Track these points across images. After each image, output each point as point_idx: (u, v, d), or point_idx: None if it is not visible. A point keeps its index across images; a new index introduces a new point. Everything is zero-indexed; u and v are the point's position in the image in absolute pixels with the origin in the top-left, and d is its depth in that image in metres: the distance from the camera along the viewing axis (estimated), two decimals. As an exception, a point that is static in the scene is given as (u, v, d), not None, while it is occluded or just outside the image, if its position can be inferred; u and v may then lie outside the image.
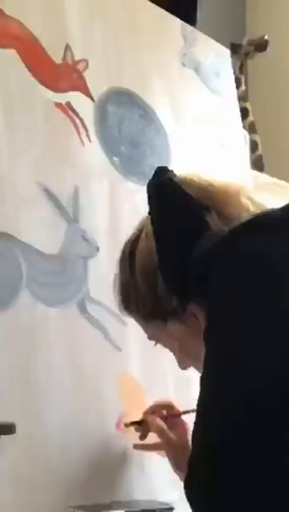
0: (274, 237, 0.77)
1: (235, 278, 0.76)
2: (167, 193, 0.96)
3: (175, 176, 0.98)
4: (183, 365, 1.08)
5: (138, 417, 1.27)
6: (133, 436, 1.26)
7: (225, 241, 0.80)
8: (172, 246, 0.91)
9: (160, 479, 1.29)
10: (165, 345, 1.08)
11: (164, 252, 0.93)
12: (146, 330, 1.08)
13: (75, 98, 1.40)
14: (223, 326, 0.75)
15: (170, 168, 0.98)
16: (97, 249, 1.33)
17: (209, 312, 0.78)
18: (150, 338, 1.09)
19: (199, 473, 0.69)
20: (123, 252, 1.05)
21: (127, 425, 1.27)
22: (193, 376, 1.43)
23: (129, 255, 1.03)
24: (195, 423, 0.73)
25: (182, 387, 1.40)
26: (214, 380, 0.74)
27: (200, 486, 0.69)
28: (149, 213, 0.98)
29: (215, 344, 0.76)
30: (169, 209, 0.94)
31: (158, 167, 1.00)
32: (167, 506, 1.20)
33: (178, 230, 0.91)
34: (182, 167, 1.60)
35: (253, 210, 0.92)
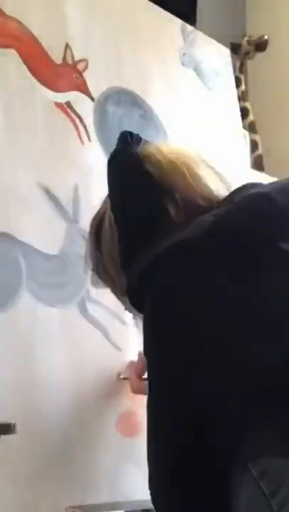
0: (192, 265, 0.80)
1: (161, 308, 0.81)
2: (127, 173, 0.96)
3: (139, 145, 0.97)
4: None
5: (139, 418, 1.27)
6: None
7: (150, 269, 0.83)
8: (131, 236, 0.92)
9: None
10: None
11: (124, 241, 0.94)
12: (116, 297, 1.09)
13: (75, 98, 1.41)
14: (155, 348, 0.81)
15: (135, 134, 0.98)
16: (97, 249, 1.33)
17: (144, 326, 0.83)
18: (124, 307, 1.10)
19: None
20: (91, 227, 1.07)
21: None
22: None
23: (96, 235, 1.04)
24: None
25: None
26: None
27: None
28: (109, 195, 0.98)
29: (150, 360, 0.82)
30: (128, 194, 0.94)
31: (121, 133, 1.00)
32: None
33: (137, 220, 0.92)
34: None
35: (215, 179, 0.94)
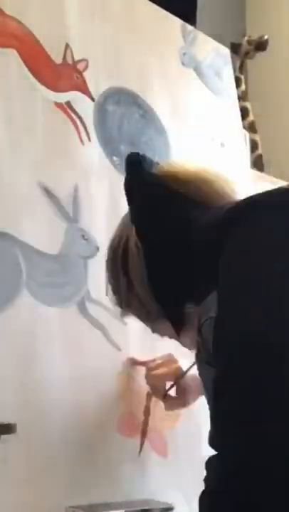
0: (275, 215, 0.80)
1: (244, 254, 0.80)
2: (154, 197, 0.96)
3: (151, 166, 0.97)
4: (188, 347, 1.07)
5: (138, 418, 1.27)
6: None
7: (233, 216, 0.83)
8: (164, 255, 0.92)
9: (160, 479, 1.29)
10: (165, 334, 1.09)
11: (154, 261, 0.94)
12: (144, 323, 1.10)
13: (75, 98, 1.40)
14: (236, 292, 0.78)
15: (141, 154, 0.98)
16: (97, 248, 1.33)
17: (223, 275, 0.81)
18: (152, 330, 1.10)
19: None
20: (113, 254, 1.05)
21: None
22: (195, 377, 1.44)
23: (122, 260, 1.02)
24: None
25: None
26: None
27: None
28: (132, 219, 0.98)
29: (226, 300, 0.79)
30: (156, 211, 0.94)
31: (129, 156, 0.99)
32: (166, 506, 1.20)
33: (169, 239, 0.92)
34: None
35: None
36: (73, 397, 1.21)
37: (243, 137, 2.00)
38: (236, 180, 1.02)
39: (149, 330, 1.28)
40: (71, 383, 1.22)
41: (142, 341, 1.35)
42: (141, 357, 1.33)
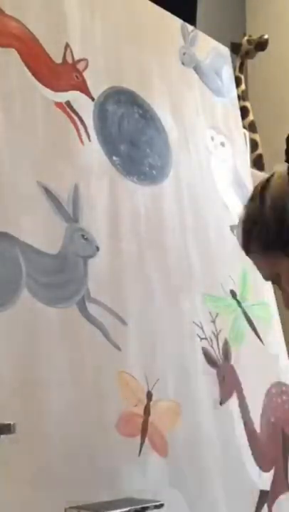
0: None
1: None
2: None
3: None
4: None
5: (138, 418, 1.27)
6: None
7: None
8: None
9: (160, 479, 1.29)
10: (282, 284, 1.07)
11: None
12: (262, 266, 1.08)
13: (75, 97, 1.40)
14: None
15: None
16: (97, 248, 1.33)
17: None
18: (266, 276, 1.09)
19: None
20: (253, 193, 1.07)
21: None
22: (193, 376, 1.45)
23: (260, 194, 1.04)
24: None
25: (182, 387, 1.40)
26: None
27: None
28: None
29: None
30: None
31: None
32: (157, 503, 1.18)
33: None
34: (182, 166, 1.62)
35: None
36: (73, 397, 1.21)
37: (243, 137, 1.99)
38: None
39: (147, 330, 1.29)
40: (71, 383, 1.21)
41: (142, 341, 1.35)
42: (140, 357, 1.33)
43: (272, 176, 1.05)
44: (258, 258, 1.07)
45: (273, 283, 1.10)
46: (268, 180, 1.05)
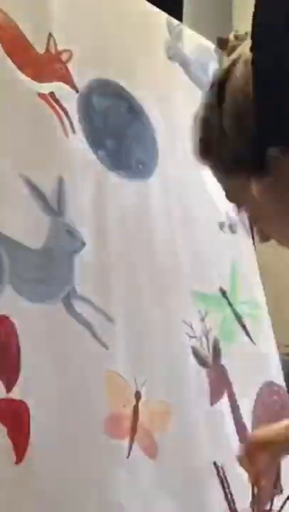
0: None
1: None
2: None
3: None
4: (264, 238, 0.89)
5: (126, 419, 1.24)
6: None
7: None
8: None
9: (149, 481, 1.26)
10: (247, 211, 0.90)
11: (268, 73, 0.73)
12: (225, 187, 0.88)
13: (59, 89, 1.36)
14: None
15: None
16: (83, 243, 1.29)
17: None
18: (230, 198, 0.89)
19: None
20: (211, 84, 0.86)
21: None
22: (183, 375, 1.42)
23: (218, 86, 0.83)
24: None
25: (171, 386, 1.37)
26: None
27: None
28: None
29: None
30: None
31: None
32: None
33: None
34: (170, 161, 1.59)
35: None
36: (59, 397, 1.17)
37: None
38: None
39: (135, 328, 1.25)
40: (56, 382, 1.18)
41: (130, 338, 1.32)
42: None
43: (237, 59, 0.83)
44: (218, 174, 0.88)
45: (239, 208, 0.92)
46: (233, 63, 0.83)
